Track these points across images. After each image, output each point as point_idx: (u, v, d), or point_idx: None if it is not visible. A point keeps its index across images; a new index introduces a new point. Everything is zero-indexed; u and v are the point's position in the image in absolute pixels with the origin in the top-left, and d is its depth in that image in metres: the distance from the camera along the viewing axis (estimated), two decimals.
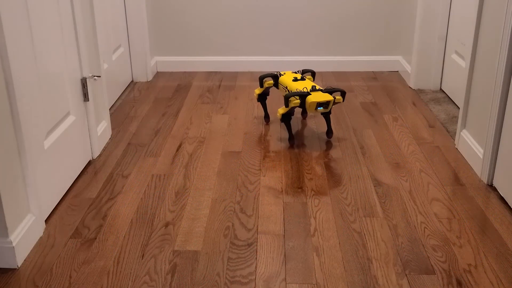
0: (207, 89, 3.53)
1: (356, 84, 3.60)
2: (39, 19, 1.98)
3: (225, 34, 3.85)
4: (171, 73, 3.90)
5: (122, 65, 3.48)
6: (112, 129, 2.89)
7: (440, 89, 3.48)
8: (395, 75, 3.79)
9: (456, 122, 2.91)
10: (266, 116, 2.98)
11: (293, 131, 2.82)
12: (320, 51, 3.88)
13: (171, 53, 3.91)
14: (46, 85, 2.06)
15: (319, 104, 2.56)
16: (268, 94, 2.94)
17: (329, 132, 2.74)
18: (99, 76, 2.57)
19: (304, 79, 2.78)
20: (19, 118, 1.79)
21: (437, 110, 3.13)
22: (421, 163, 2.49)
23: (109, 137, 2.78)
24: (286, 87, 2.74)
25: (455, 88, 3.22)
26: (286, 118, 2.69)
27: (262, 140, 2.74)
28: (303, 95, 2.58)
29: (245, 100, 3.31)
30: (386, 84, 3.61)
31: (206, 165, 2.48)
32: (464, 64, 3.05)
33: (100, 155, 2.59)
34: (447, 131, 2.83)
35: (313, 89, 2.64)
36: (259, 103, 3.20)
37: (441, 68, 3.44)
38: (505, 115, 2.16)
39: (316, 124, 2.95)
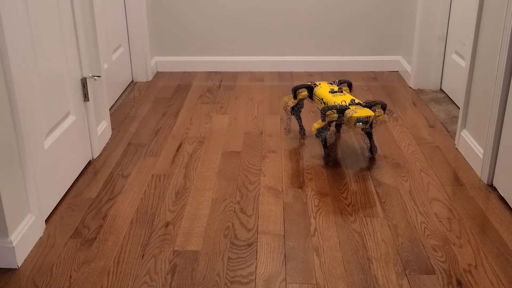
0: (207, 89, 3.53)
1: (356, 84, 3.60)
2: (39, 19, 1.98)
3: (225, 34, 3.85)
4: (171, 73, 3.90)
5: (122, 65, 3.48)
6: (112, 129, 2.89)
7: (440, 89, 3.48)
8: (395, 75, 3.79)
9: (456, 122, 2.91)
10: (302, 130, 2.78)
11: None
12: (320, 51, 3.88)
13: (171, 53, 3.91)
14: (46, 85, 2.06)
15: (359, 119, 2.38)
16: (302, 107, 2.74)
17: (372, 148, 2.54)
18: (99, 76, 2.57)
19: (342, 91, 2.59)
20: (19, 118, 1.79)
21: (437, 110, 3.13)
22: (421, 163, 2.49)
23: (109, 137, 2.78)
24: (322, 99, 2.56)
25: (455, 88, 3.22)
26: (322, 134, 2.47)
27: (262, 140, 2.74)
28: (341, 109, 2.41)
29: (245, 100, 3.31)
30: (386, 84, 3.61)
31: (206, 165, 2.48)
32: (464, 64, 3.05)
33: (100, 155, 2.59)
34: (447, 131, 2.83)
35: (352, 102, 2.46)
36: (292, 116, 2.95)
37: (441, 68, 3.44)
38: (505, 115, 2.16)
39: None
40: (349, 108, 2.41)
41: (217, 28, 3.84)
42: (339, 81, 2.72)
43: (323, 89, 2.62)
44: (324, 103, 2.54)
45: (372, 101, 2.47)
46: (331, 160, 2.52)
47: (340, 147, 2.65)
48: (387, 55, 3.88)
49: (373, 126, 2.52)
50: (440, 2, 3.29)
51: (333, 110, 2.40)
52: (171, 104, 3.26)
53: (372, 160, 2.51)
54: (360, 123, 2.39)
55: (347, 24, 3.80)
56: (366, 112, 2.40)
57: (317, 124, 2.50)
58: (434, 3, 3.30)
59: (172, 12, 3.80)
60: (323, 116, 2.42)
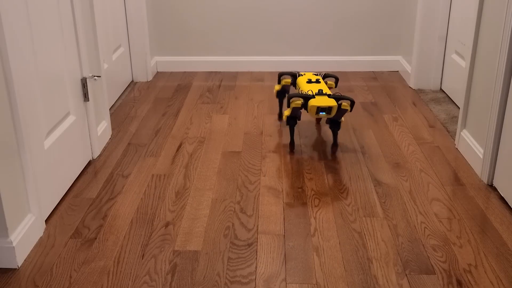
0: (207, 89, 3.53)
1: (356, 84, 3.60)
2: (39, 19, 1.98)
3: (225, 34, 3.85)
4: (171, 73, 3.90)
5: (122, 65, 3.48)
6: (112, 129, 2.89)
7: (440, 89, 3.48)
8: (395, 75, 3.79)
9: (456, 122, 2.91)
10: (280, 114, 3.00)
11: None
12: (320, 51, 3.87)
13: (171, 53, 3.91)
14: (46, 85, 2.06)
15: (321, 109, 2.44)
16: (288, 92, 2.90)
17: (334, 146, 2.61)
18: (99, 76, 2.57)
19: (319, 82, 2.68)
20: (19, 118, 1.79)
21: (437, 110, 3.13)
22: (421, 163, 2.49)
23: (109, 137, 2.78)
24: (299, 88, 2.69)
25: (455, 88, 3.22)
26: (291, 122, 2.59)
27: (262, 140, 2.74)
28: (307, 98, 2.48)
29: (245, 100, 3.31)
30: (386, 84, 3.61)
31: (206, 165, 2.48)
32: (464, 64, 3.05)
33: (100, 155, 2.59)
34: (447, 131, 2.83)
35: (320, 92, 2.52)
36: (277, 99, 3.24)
37: (441, 68, 3.44)
38: (505, 115, 2.16)
39: (320, 125, 2.95)
40: (314, 97, 2.48)
41: (217, 28, 3.83)
42: (325, 74, 2.84)
43: (303, 78, 2.74)
44: (300, 91, 2.66)
45: (341, 95, 2.51)
46: (295, 149, 2.63)
47: (340, 147, 2.65)
48: (387, 55, 3.88)
49: (340, 125, 2.58)
50: (440, 2, 3.29)
51: (299, 98, 2.49)
52: (171, 104, 3.26)
53: (372, 159, 2.51)
54: (324, 113, 2.46)
55: (347, 24, 3.80)
56: (328, 102, 2.44)
57: (287, 111, 2.58)
58: (434, 3, 3.30)
59: (172, 12, 3.80)
60: (288, 102, 2.52)
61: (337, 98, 2.49)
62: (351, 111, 2.54)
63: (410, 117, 3.02)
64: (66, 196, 2.23)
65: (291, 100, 2.50)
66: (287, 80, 2.82)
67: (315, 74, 2.81)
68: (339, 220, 2.04)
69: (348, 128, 2.87)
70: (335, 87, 2.84)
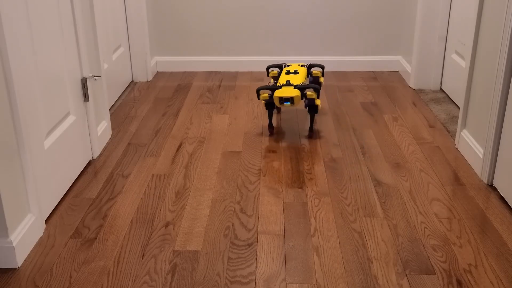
0: (207, 89, 3.53)
1: (356, 84, 3.60)
2: (39, 19, 1.98)
3: (225, 34, 3.85)
4: (171, 73, 3.90)
5: (122, 65, 3.48)
6: (112, 129, 2.89)
7: (440, 89, 3.48)
8: (395, 75, 3.79)
9: (456, 122, 2.91)
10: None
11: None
12: (320, 51, 3.87)
13: (171, 53, 3.91)
14: (46, 85, 2.06)
15: (284, 99, 2.62)
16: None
17: (310, 130, 2.78)
18: (99, 76, 2.57)
19: (297, 73, 2.84)
20: (19, 118, 1.79)
21: (437, 110, 3.13)
22: (421, 163, 2.49)
23: (109, 137, 2.78)
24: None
25: (455, 88, 3.22)
26: (269, 107, 2.75)
27: (262, 140, 2.74)
28: (274, 89, 2.67)
29: (245, 100, 3.31)
30: (386, 84, 3.61)
31: (206, 165, 2.48)
32: (464, 64, 3.05)
33: (100, 155, 2.59)
34: (447, 131, 2.83)
35: (287, 83, 2.69)
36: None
37: (441, 68, 3.44)
38: (505, 115, 2.16)
39: (318, 124, 2.95)
40: (280, 88, 2.67)
41: (217, 28, 3.84)
42: (310, 64, 2.99)
43: (284, 70, 2.90)
44: (279, 82, 2.84)
45: (306, 85, 2.67)
46: (273, 132, 2.81)
47: (340, 147, 2.65)
48: (387, 55, 3.88)
49: (317, 109, 2.73)
50: (440, 2, 3.29)
51: (266, 90, 2.69)
52: (171, 104, 3.26)
53: (372, 159, 2.52)
54: (288, 103, 2.64)
55: (347, 24, 3.80)
56: (290, 93, 2.62)
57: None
58: (434, 3, 3.30)
59: (172, 12, 3.80)
60: (257, 94, 2.72)
61: (301, 88, 2.67)
62: (318, 97, 2.69)
63: (410, 117, 3.02)
64: (66, 196, 2.23)
65: (260, 93, 2.69)
66: (274, 72, 2.95)
67: (300, 65, 2.96)
68: (339, 220, 2.04)
69: (348, 128, 2.87)
70: (322, 75, 2.95)
